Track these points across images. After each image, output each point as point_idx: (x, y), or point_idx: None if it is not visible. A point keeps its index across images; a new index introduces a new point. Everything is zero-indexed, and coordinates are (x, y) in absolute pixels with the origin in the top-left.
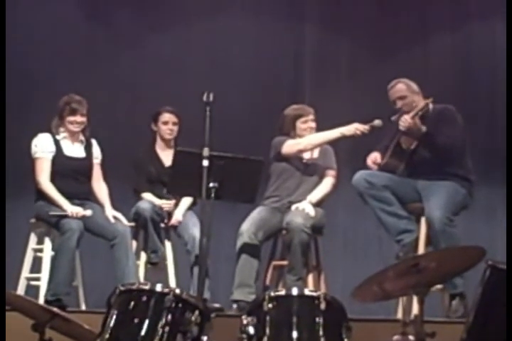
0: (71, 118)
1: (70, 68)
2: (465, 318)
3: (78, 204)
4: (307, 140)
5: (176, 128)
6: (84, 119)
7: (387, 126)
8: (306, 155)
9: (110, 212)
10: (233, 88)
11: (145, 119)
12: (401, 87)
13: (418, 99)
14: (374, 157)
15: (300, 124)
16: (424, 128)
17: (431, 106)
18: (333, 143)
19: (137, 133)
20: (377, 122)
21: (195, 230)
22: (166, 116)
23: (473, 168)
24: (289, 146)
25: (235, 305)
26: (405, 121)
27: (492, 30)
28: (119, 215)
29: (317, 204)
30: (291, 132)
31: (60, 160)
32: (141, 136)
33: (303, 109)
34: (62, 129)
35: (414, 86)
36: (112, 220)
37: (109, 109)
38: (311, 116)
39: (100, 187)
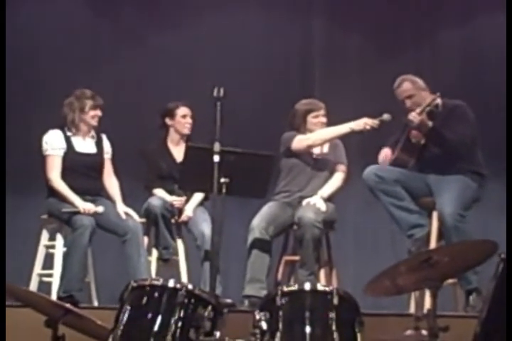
0: (92, 113)
1: (77, 65)
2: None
3: (90, 201)
4: (316, 135)
5: (192, 122)
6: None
7: (396, 121)
8: (316, 151)
9: (121, 207)
10: (243, 83)
11: (154, 115)
12: (407, 85)
13: (426, 95)
14: (385, 153)
15: (311, 119)
16: (430, 124)
17: (439, 101)
18: (342, 137)
19: (146, 130)
20: (386, 116)
21: (204, 226)
22: (185, 110)
23: (485, 162)
24: (299, 142)
25: (246, 301)
26: (414, 116)
27: (500, 24)
28: (131, 211)
29: (328, 199)
30: (301, 127)
31: (71, 156)
32: (150, 132)
33: (314, 104)
34: (82, 124)
35: (420, 82)
36: (123, 216)
37: (117, 106)
38: (322, 111)
39: (111, 183)
